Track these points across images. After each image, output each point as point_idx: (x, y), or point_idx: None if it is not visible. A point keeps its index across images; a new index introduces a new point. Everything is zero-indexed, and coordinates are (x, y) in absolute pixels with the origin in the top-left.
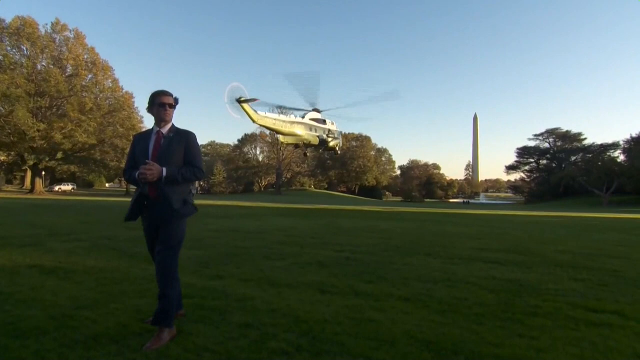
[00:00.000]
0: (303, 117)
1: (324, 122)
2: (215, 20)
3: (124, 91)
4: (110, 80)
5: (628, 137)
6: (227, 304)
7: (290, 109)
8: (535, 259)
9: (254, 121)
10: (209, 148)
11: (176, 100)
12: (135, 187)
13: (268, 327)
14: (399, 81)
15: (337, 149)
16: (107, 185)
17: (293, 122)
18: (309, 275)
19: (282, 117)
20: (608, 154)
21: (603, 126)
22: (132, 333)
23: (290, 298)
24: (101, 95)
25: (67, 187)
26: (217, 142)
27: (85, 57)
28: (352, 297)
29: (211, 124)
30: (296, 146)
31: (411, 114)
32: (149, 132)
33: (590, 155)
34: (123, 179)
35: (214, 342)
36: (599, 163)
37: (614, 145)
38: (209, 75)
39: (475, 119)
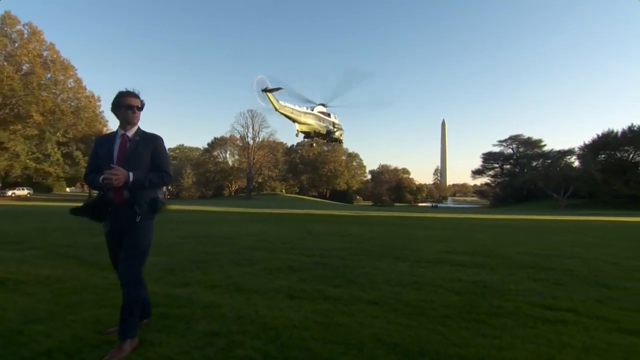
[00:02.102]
0: (312, 110)
1: (329, 115)
2: (185, 19)
3: (87, 92)
4: (72, 80)
5: (582, 144)
6: (193, 312)
7: (304, 101)
8: (499, 260)
9: (276, 109)
10: (177, 151)
11: (142, 103)
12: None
13: (235, 335)
14: (369, 86)
15: (341, 138)
16: (67, 189)
17: (306, 113)
18: (278, 281)
19: (297, 107)
20: (565, 159)
21: (561, 133)
22: (89, 345)
23: (259, 304)
24: (62, 96)
25: (22, 192)
26: (185, 145)
27: (44, 53)
28: (321, 301)
29: (180, 126)
30: (306, 135)
31: (381, 119)
32: (113, 134)
33: (549, 161)
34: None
35: (178, 352)
36: (557, 168)
37: (570, 152)
38: (178, 76)
39: (443, 124)
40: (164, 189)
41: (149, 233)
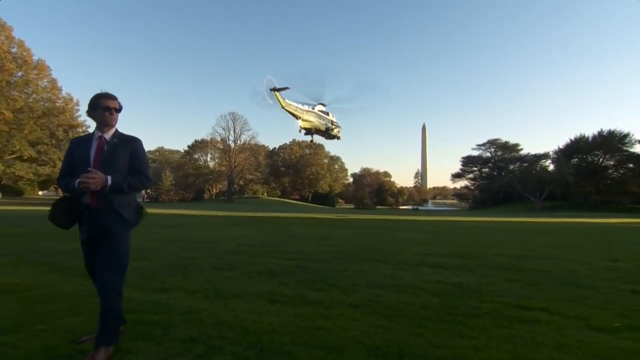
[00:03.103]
0: (313, 108)
1: (327, 114)
2: (165, 19)
3: (64, 94)
4: (46, 81)
5: (556, 148)
6: (171, 318)
7: (304, 103)
8: (477, 262)
9: (282, 106)
10: (156, 154)
11: (120, 105)
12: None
13: (214, 340)
14: (348, 91)
15: (339, 135)
16: (40, 193)
17: (308, 111)
18: (258, 285)
19: (300, 105)
20: (540, 163)
21: (537, 137)
22: (60, 356)
23: (238, 309)
24: (34, 96)
25: None
26: (165, 147)
27: (13, 50)
28: (302, 305)
29: (160, 129)
30: (308, 132)
31: (363, 123)
32: (89, 136)
33: (526, 164)
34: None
35: (155, 359)
36: (533, 171)
37: (545, 156)
38: (157, 78)
39: (424, 129)
40: (143, 192)
41: (126, 239)
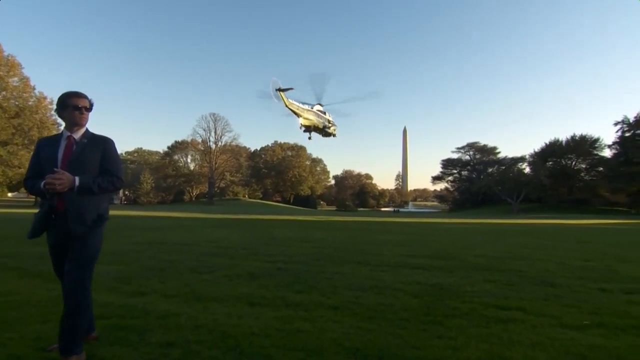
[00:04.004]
0: (312, 108)
1: (325, 113)
2: (143, 17)
3: (36, 92)
4: (17, 79)
5: (532, 151)
6: (148, 323)
7: (304, 102)
8: (456, 263)
9: (286, 105)
10: (135, 155)
11: (91, 104)
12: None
13: (192, 345)
14: (333, 92)
15: (335, 133)
16: (9, 194)
17: (309, 110)
18: (238, 288)
19: (301, 104)
20: (517, 166)
21: (514, 141)
22: None
23: (218, 312)
24: (4, 94)
25: None
26: (144, 148)
27: None
28: (282, 308)
29: (138, 129)
30: (307, 129)
31: (345, 125)
32: (57, 136)
33: (504, 167)
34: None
35: None
36: (510, 174)
37: (522, 159)
38: (136, 77)
39: (405, 132)
40: (121, 194)
41: (97, 241)
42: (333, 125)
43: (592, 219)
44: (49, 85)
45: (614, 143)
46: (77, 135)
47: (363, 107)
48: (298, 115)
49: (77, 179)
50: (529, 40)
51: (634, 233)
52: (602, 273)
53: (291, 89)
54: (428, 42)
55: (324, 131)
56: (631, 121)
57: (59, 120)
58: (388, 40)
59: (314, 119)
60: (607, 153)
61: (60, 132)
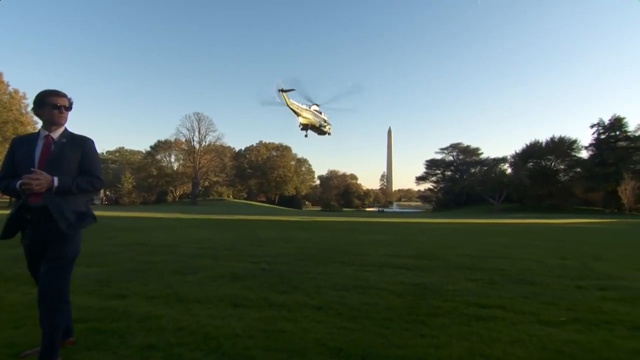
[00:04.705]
0: (309, 107)
1: (321, 113)
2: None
3: (10, 89)
4: None
5: (513, 152)
6: (128, 325)
7: (302, 102)
8: (439, 263)
9: (287, 104)
10: (116, 155)
11: (70, 103)
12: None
13: (174, 347)
14: (317, 92)
15: (330, 132)
16: None
17: (307, 110)
18: (221, 289)
19: (300, 104)
20: (499, 166)
21: (496, 142)
22: None
23: (200, 314)
24: None
25: None
26: (126, 148)
27: None
28: (266, 308)
29: (120, 128)
30: (304, 127)
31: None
32: (34, 135)
33: (486, 168)
34: None
35: None
36: (492, 175)
37: (503, 160)
38: (118, 75)
39: (389, 132)
40: (101, 194)
41: (76, 242)
42: (328, 124)
43: (569, 218)
44: (25, 83)
45: (590, 145)
46: (56, 134)
47: (349, 107)
48: (297, 114)
49: (56, 179)
50: (511, 44)
51: (607, 232)
52: (578, 271)
53: (292, 90)
54: (413, 43)
55: (320, 130)
56: (606, 124)
57: (37, 121)
58: (373, 41)
59: (311, 118)
60: (584, 154)
61: (37, 131)
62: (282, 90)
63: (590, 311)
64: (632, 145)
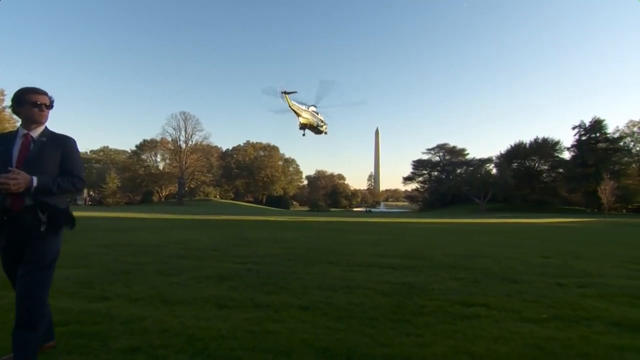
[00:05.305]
0: (308, 108)
1: (318, 113)
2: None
3: None
4: None
5: (498, 153)
6: (111, 328)
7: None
8: (425, 262)
9: (289, 105)
10: (101, 154)
11: (52, 101)
12: None
13: (158, 349)
14: (305, 93)
15: (326, 131)
16: None
17: (306, 110)
18: (207, 290)
19: (301, 105)
20: (484, 167)
21: (482, 142)
22: None
23: (185, 315)
24: None
25: None
26: (111, 147)
27: None
28: (252, 309)
29: (105, 127)
30: (303, 127)
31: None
32: (12, 134)
33: (472, 168)
34: None
35: None
36: (478, 175)
37: (489, 160)
38: (102, 74)
39: (377, 133)
40: (84, 194)
41: (56, 244)
42: (325, 124)
43: (552, 218)
44: (3, 80)
45: (572, 146)
46: (35, 133)
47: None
48: (298, 114)
49: (34, 179)
50: (496, 47)
51: (588, 231)
52: (559, 269)
53: (295, 92)
54: (400, 44)
55: (317, 129)
56: (587, 126)
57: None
58: (362, 42)
59: (310, 118)
60: (567, 155)
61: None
62: (285, 93)
63: (570, 308)
64: (611, 146)
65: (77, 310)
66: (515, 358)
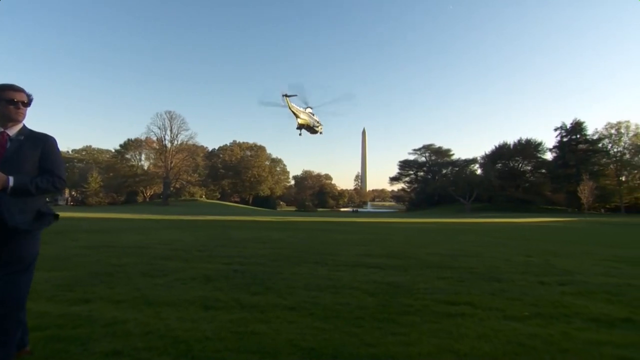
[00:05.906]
0: (305, 109)
1: (313, 114)
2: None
3: None
4: None
5: (483, 153)
6: (92, 331)
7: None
8: (411, 261)
9: (289, 107)
10: (83, 153)
11: (30, 98)
12: None
13: (141, 353)
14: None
15: (321, 131)
16: None
17: (303, 112)
18: (192, 291)
19: (298, 107)
20: (470, 167)
21: (467, 143)
22: None
23: (170, 317)
24: None
25: None
26: (94, 147)
27: None
28: (237, 310)
29: (88, 126)
30: (300, 127)
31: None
32: None
33: (457, 169)
34: None
35: None
36: (463, 175)
37: (474, 161)
38: (87, 72)
39: (364, 133)
40: (66, 194)
41: (35, 243)
42: (320, 125)
43: (535, 217)
44: None
45: (554, 147)
46: (12, 131)
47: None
48: (296, 115)
49: (11, 178)
50: (481, 49)
51: (568, 230)
52: (541, 267)
53: (295, 95)
54: (388, 45)
55: (313, 129)
56: (568, 127)
57: None
58: (350, 43)
59: (307, 119)
60: (549, 156)
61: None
62: (286, 95)
63: (552, 306)
64: (591, 148)
65: (56, 314)
66: (498, 355)
